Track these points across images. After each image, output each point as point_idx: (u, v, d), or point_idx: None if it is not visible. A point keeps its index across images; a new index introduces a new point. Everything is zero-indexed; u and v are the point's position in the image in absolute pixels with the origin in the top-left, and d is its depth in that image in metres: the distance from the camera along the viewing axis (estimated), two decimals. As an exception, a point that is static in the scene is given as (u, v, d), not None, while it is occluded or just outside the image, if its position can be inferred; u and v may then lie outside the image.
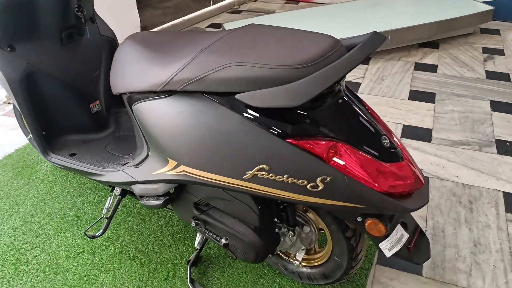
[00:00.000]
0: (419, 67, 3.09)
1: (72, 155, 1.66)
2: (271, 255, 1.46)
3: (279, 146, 1.03)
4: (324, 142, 1.04)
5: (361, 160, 1.05)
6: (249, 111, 1.06)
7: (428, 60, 3.19)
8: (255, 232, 1.26)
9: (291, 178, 1.04)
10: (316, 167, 1.03)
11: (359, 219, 1.13)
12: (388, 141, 1.10)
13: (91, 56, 1.69)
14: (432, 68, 3.07)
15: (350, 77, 2.98)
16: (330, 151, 1.04)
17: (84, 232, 1.55)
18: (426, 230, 1.73)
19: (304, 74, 0.99)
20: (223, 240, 1.30)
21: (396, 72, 3.03)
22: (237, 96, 1.05)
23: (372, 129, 1.10)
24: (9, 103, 2.80)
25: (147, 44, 1.29)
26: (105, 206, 1.56)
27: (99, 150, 1.67)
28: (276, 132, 1.03)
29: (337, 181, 1.03)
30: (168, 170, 1.21)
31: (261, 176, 1.05)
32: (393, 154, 1.09)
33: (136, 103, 1.25)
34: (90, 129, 1.75)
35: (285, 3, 4.60)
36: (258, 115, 1.05)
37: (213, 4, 4.16)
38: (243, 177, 1.07)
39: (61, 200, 1.93)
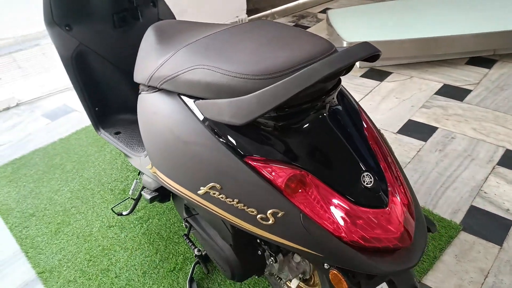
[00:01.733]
0: (559, 78, 2.46)
1: (117, 133, 1.73)
2: (257, 276, 1.33)
3: (234, 165, 0.90)
4: (286, 169, 0.87)
5: (327, 197, 0.86)
6: (211, 121, 0.94)
7: None
8: (232, 249, 1.16)
9: (241, 204, 0.90)
10: (269, 197, 0.87)
11: (325, 265, 0.94)
12: (372, 179, 0.88)
13: (144, 40, 1.72)
14: None
15: (459, 81, 2.52)
16: (292, 181, 0.87)
17: (112, 208, 1.63)
18: (481, 288, 1.39)
19: (262, 86, 0.84)
20: (195, 251, 1.22)
21: (524, 81, 2.46)
22: (195, 102, 0.95)
23: (352, 162, 0.88)
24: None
25: (161, 34, 1.25)
26: (131, 188, 1.60)
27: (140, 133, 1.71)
28: (234, 149, 0.90)
29: (290, 217, 0.86)
30: (150, 168, 1.18)
31: (213, 195, 0.94)
32: (375, 198, 0.87)
33: (139, 93, 1.23)
34: (138, 111, 1.81)
35: (416, -11, 4.08)
36: (219, 127, 0.93)
37: (332, -12, 3.92)
38: (198, 192, 0.97)
39: (118, 172, 2.06)
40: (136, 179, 1.59)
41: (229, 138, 0.91)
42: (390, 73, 2.70)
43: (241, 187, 0.90)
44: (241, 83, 0.86)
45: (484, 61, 2.72)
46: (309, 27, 3.49)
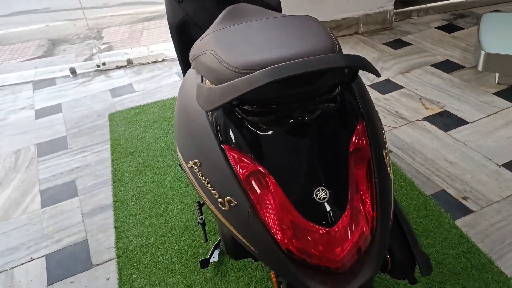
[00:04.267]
0: None
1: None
2: (253, 260, 1.36)
3: (213, 148, 0.97)
4: (251, 164, 0.91)
5: (278, 201, 0.87)
6: None
7: None
8: (229, 226, 1.23)
9: (209, 185, 0.97)
10: (229, 185, 0.92)
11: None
12: (326, 196, 0.85)
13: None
14: None
15: None
16: (252, 176, 0.90)
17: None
18: None
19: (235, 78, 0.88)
20: (199, 219, 1.31)
21: None
22: (197, 84, 1.03)
23: (313, 174, 0.86)
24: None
25: (227, 15, 1.34)
26: None
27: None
28: (217, 134, 0.97)
29: (240, 209, 0.90)
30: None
31: (195, 170, 1.02)
32: (322, 214, 0.84)
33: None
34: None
35: None
36: (211, 111, 1.00)
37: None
38: (187, 164, 1.06)
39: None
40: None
41: (217, 123, 0.98)
42: (533, 97, 2.28)
43: (213, 169, 0.96)
44: (227, 73, 0.92)
45: None
46: (463, 29, 3.12)
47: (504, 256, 1.47)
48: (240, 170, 0.91)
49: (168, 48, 3.42)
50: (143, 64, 3.20)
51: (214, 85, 0.94)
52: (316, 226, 0.83)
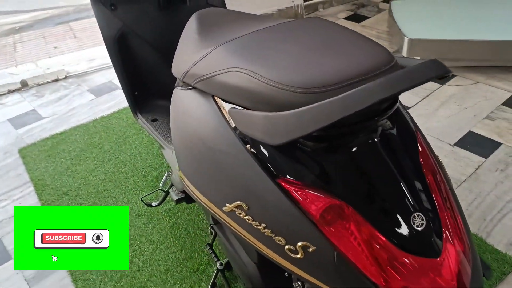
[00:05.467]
0: None
1: (154, 120, 1.67)
2: None
3: (265, 185, 0.79)
4: (323, 198, 0.76)
5: (368, 236, 0.74)
6: None
7: None
8: (257, 267, 1.06)
9: (269, 230, 0.80)
10: (300, 228, 0.76)
11: None
12: (423, 222, 0.74)
13: (189, 25, 1.62)
14: None
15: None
16: (328, 212, 0.75)
17: (141, 198, 1.58)
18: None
19: (305, 101, 0.72)
20: (218, 264, 1.13)
21: None
22: (229, 110, 0.84)
23: (402, 198, 0.75)
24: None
25: (203, 24, 1.14)
26: (162, 180, 1.54)
27: (176, 122, 1.64)
28: (267, 167, 0.80)
29: (322, 254, 0.75)
30: (178, 169, 1.10)
31: (239, 214, 0.84)
32: (426, 244, 0.74)
33: (175, 86, 1.14)
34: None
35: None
36: (253, 139, 0.82)
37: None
38: (223, 208, 0.87)
39: (153, 158, 2.01)
40: (168, 171, 1.52)
41: (262, 153, 0.81)
42: (454, 76, 2.46)
43: (270, 211, 0.80)
44: (281, 94, 0.75)
45: None
46: (368, 17, 3.27)
47: (491, 233, 1.53)
48: (311, 207, 0.76)
49: (68, 63, 2.99)
50: (41, 84, 2.74)
51: (265, 111, 0.76)
52: (423, 259, 0.73)
